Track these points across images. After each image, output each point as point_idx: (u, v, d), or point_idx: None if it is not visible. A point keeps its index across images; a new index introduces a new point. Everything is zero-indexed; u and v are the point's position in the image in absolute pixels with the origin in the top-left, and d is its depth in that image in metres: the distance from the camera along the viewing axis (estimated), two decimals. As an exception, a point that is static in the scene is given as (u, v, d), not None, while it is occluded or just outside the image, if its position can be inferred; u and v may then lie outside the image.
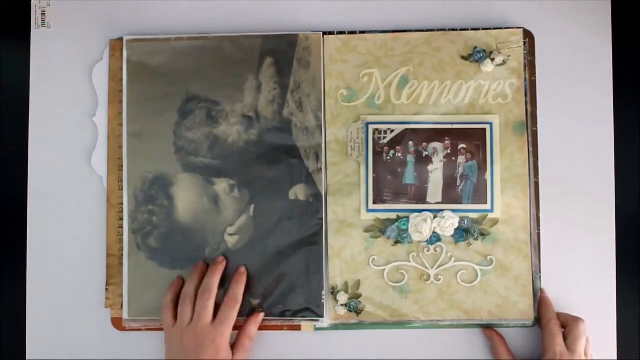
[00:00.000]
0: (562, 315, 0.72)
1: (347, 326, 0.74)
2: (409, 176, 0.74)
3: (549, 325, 0.70)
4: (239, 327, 0.72)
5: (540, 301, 0.73)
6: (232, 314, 0.70)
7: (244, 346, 0.71)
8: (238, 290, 0.72)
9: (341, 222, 0.74)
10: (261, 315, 0.73)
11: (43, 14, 0.77)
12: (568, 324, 0.70)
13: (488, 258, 0.73)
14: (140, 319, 0.74)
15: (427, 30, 0.75)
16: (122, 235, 0.74)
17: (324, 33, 0.75)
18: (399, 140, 0.74)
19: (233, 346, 0.71)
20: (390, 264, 0.74)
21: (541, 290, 0.73)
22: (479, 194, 0.73)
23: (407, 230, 0.73)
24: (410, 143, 0.74)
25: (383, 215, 0.74)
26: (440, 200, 0.73)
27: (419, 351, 0.74)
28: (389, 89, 0.75)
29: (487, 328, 0.73)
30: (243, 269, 0.73)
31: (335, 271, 0.74)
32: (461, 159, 0.73)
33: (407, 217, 0.73)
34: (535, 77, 0.75)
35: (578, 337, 0.69)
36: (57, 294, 0.75)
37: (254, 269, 0.74)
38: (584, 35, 0.75)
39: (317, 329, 0.74)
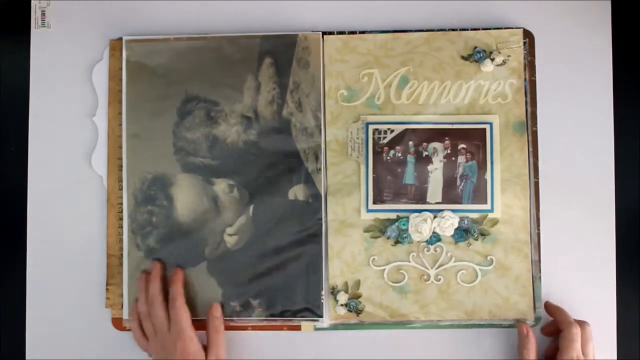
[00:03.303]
0: None
1: (347, 326, 0.74)
2: (409, 176, 0.74)
3: (569, 329, 0.69)
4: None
5: (552, 308, 0.72)
6: (176, 314, 0.70)
7: (214, 341, 0.71)
8: (174, 289, 0.71)
9: (341, 222, 0.74)
10: (217, 305, 0.72)
11: (43, 14, 0.77)
12: None
13: (488, 258, 0.73)
14: (140, 319, 0.74)
15: (427, 30, 0.75)
16: (122, 235, 0.74)
17: (324, 33, 0.75)
18: (398, 140, 0.74)
19: (206, 344, 0.71)
20: (390, 264, 0.74)
21: (546, 302, 0.73)
22: (479, 194, 0.73)
23: (407, 230, 0.73)
24: (410, 143, 0.74)
25: (383, 215, 0.74)
26: (440, 200, 0.73)
27: (419, 351, 0.74)
28: (389, 89, 0.75)
29: (523, 325, 0.71)
30: (177, 270, 0.73)
31: (335, 271, 0.74)
32: (461, 159, 0.73)
33: (407, 217, 0.73)
34: (535, 77, 0.75)
35: (588, 341, 0.69)
36: (57, 294, 0.75)
37: (254, 269, 0.74)
38: (584, 35, 0.75)
39: (317, 329, 0.74)
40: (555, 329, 0.72)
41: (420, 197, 0.74)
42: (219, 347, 0.71)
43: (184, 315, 0.70)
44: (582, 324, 0.70)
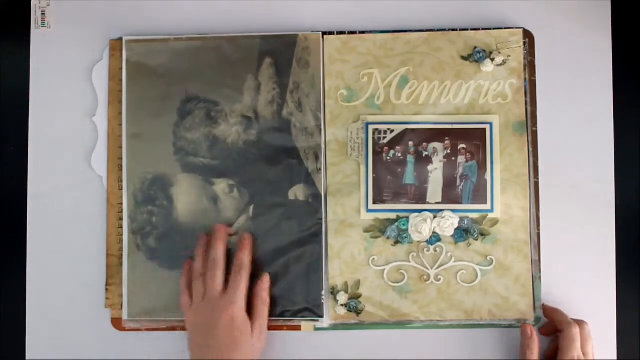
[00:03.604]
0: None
1: (347, 326, 0.74)
2: (409, 176, 0.74)
3: (570, 329, 0.69)
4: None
5: (549, 310, 0.72)
6: (239, 280, 0.69)
7: (260, 311, 0.70)
8: (242, 255, 0.71)
9: (341, 222, 0.74)
10: (267, 276, 0.73)
11: (43, 14, 0.77)
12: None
13: (488, 258, 0.73)
14: (140, 319, 0.74)
15: (427, 30, 0.75)
16: (122, 235, 0.74)
17: (324, 33, 0.75)
18: (398, 140, 0.74)
19: (250, 313, 0.70)
20: (390, 264, 0.74)
21: (543, 304, 0.73)
22: (479, 194, 0.73)
23: (407, 230, 0.73)
24: (410, 143, 0.74)
25: (383, 215, 0.74)
26: (440, 200, 0.73)
27: (419, 351, 0.74)
28: (388, 89, 0.75)
29: (527, 325, 0.71)
30: (246, 235, 0.73)
31: (335, 271, 0.74)
32: (461, 159, 0.73)
33: (407, 217, 0.73)
34: (535, 77, 0.75)
35: (587, 340, 0.69)
36: (57, 294, 0.75)
37: (253, 269, 0.73)
38: (584, 35, 0.75)
39: (317, 329, 0.74)
40: (552, 329, 0.72)
41: (420, 197, 0.74)
42: (264, 318, 0.71)
43: (244, 284, 0.70)
44: (580, 323, 0.70)
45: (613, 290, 0.74)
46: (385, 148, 0.74)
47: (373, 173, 0.74)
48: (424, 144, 0.74)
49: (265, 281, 0.72)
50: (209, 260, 0.71)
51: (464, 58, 0.74)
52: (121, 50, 0.75)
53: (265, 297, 0.72)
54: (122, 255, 0.74)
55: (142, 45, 0.75)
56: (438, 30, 0.75)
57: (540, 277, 0.73)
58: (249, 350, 0.68)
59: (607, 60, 0.75)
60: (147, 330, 0.75)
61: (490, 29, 0.75)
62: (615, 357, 0.73)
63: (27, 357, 0.75)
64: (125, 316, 0.74)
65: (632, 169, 0.75)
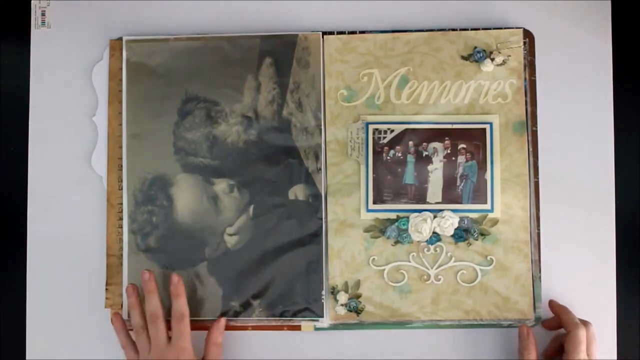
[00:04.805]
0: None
1: (347, 326, 0.74)
2: (409, 176, 0.74)
3: (576, 331, 0.68)
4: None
5: (556, 307, 0.72)
6: (182, 328, 0.69)
7: (213, 354, 0.71)
8: (179, 304, 0.70)
9: (341, 222, 0.74)
10: (223, 321, 0.72)
11: (43, 14, 0.77)
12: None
13: (488, 258, 0.73)
14: (140, 319, 0.74)
15: (427, 30, 0.75)
16: (122, 235, 0.74)
17: (324, 33, 0.75)
18: (398, 140, 0.74)
19: (204, 357, 0.71)
20: (390, 264, 0.74)
21: (551, 300, 0.73)
22: (479, 194, 0.73)
23: (407, 230, 0.73)
24: (410, 143, 0.74)
25: (383, 215, 0.74)
26: (440, 200, 0.73)
27: (419, 351, 0.74)
28: (388, 89, 0.75)
29: (524, 326, 0.71)
30: (176, 279, 0.71)
31: (335, 271, 0.74)
32: (461, 158, 0.73)
33: (407, 217, 0.73)
34: (535, 77, 0.75)
35: (592, 341, 0.69)
36: (57, 294, 0.75)
37: (254, 269, 0.74)
38: (584, 35, 0.75)
39: (317, 329, 0.74)
40: (556, 324, 0.72)
41: (420, 197, 0.74)
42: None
43: (188, 330, 0.69)
44: (585, 324, 0.70)
45: (613, 290, 0.74)
46: (385, 148, 0.74)
47: (373, 173, 0.74)
48: (424, 143, 0.74)
49: (221, 325, 0.72)
50: (147, 314, 0.70)
51: (464, 58, 0.75)
52: (121, 50, 0.76)
53: (220, 340, 0.71)
54: (122, 255, 0.74)
55: (142, 45, 0.75)
56: (438, 30, 0.75)
57: (540, 277, 0.73)
58: None
59: (607, 60, 0.75)
60: (147, 330, 0.75)
61: (490, 29, 0.75)
62: (615, 357, 0.73)
63: (27, 357, 0.75)
64: (125, 316, 0.74)
65: (632, 169, 0.75)
